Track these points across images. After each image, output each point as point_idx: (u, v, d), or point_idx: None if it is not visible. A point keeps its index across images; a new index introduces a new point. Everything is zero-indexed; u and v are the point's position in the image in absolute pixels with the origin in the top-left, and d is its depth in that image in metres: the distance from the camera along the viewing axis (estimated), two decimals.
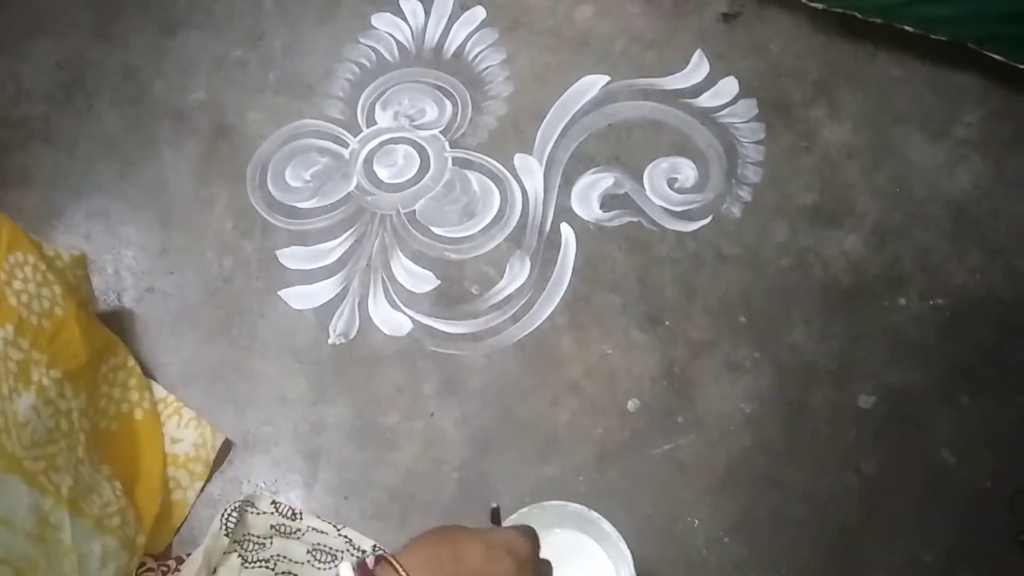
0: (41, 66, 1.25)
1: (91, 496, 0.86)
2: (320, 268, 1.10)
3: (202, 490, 0.99)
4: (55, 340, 0.89)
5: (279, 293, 1.08)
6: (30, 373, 0.83)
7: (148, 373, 1.03)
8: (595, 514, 0.91)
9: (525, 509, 0.92)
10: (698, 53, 1.20)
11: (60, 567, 0.79)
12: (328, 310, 1.07)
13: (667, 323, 1.05)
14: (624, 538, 0.89)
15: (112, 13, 1.29)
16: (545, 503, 0.93)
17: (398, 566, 0.53)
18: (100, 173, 1.17)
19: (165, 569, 0.92)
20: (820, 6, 1.14)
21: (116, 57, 1.25)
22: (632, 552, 0.88)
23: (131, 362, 1.00)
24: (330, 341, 1.06)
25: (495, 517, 0.70)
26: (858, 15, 1.14)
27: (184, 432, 0.99)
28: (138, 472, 0.95)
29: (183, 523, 0.97)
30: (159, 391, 1.02)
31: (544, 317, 1.06)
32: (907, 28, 1.13)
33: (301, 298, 1.08)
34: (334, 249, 1.11)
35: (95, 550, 0.83)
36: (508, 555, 0.59)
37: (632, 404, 1.01)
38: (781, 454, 0.98)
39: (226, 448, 1.01)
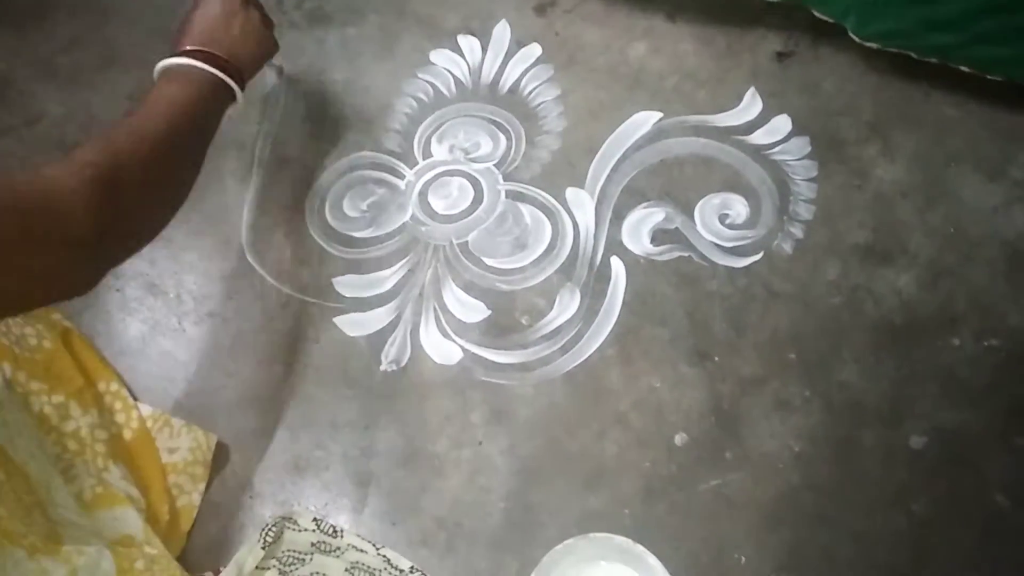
0: (112, 97, 1.30)
1: (117, 499, 0.90)
2: (374, 296, 1.12)
3: (205, 491, 1.01)
4: (50, 370, 0.96)
5: (334, 320, 1.11)
6: (31, 403, 0.89)
7: (206, 397, 1.06)
8: (640, 548, 0.91)
9: (571, 541, 0.93)
10: (751, 91, 1.21)
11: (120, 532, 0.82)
12: (381, 338, 1.09)
13: (716, 358, 1.05)
14: (669, 573, 0.89)
15: None
16: (590, 535, 0.93)
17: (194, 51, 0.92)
18: None
19: None
20: (875, 46, 1.14)
21: None
22: None
23: (115, 386, 1.04)
24: (382, 368, 1.07)
25: None
26: (913, 55, 1.14)
27: (178, 441, 1.02)
28: (141, 486, 0.97)
29: (192, 527, 1.00)
30: (145, 409, 1.05)
31: (593, 349, 1.07)
32: (963, 68, 1.13)
33: (355, 325, 1.10)
34: (388, 278, 1.13)
35: (138, 527, 0.87)
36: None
37: (680, 438, 1.01)
38: (830, 493, 0.97)
39: (222, 450, 1.04)
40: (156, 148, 0.80)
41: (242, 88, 0.96)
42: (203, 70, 0.91)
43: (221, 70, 0.92)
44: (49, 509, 0.80)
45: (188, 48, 0.92)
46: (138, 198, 0.77)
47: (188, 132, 0.86)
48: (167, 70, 0.91)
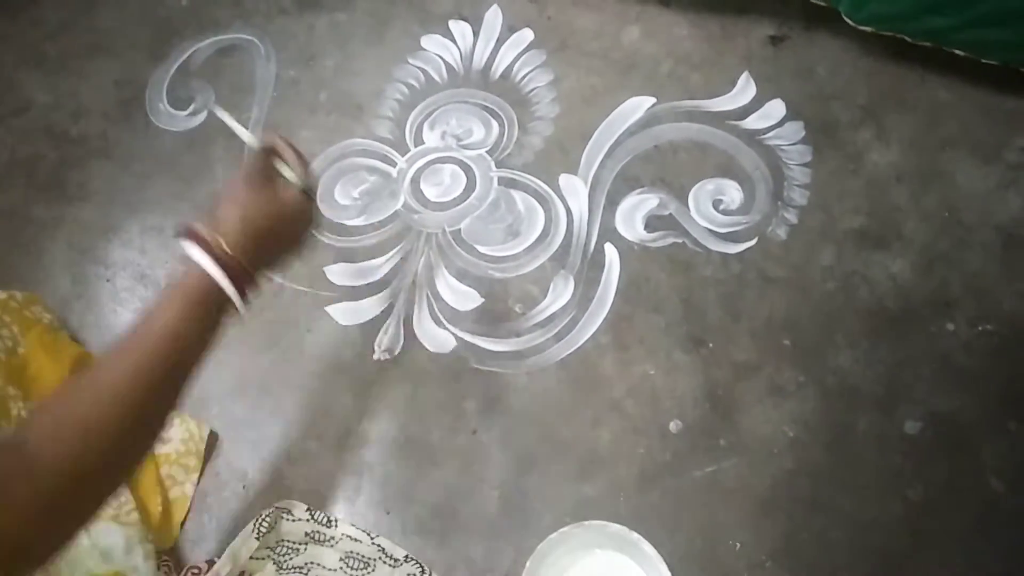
0: (100, 85, 1.29)
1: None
2: (367, 285, 1.11)
3: (198, 482, 1.00)
4: (24, 374, 0.95)
5: (326, 309, 1.10)
6: (9, 407, 0.88)
7: (198, 387, 1.05)
8: (636, 535, 0.91)
9: (566, 528, 0.92)
10: (745, 75, 1.20)
11: (83, 564, 0.81)
12: (374, 326, 1.09)
13: (711, 345, 1.05)
14: (665, 560, 0.89)
15: (169, 34, 1.32)
16: (586, 523, 0.93)
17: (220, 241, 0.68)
18: (155, 189, 1.20)
19: (196, 571, 0.94)
20: (869, 29, 1.14)
21: (173, 77, 1.29)
22: (672, 574, 0.88)
23: None
24: (375, 357, 1.07)
25: (308, 195, 0.78)
26: (907, 39, 1.13)
27: (170, 432, 1.02)
28: (130, 482, 0.97)
29: (186, 517, 0.99)
30: None
31: (587, 337, 1.06)
32: (957, 52, 1.12)
33: (347, 314, 1.10)
34: (381, 266, 1.12)
35: (118, 542, 0.86)
36: (288, 191, 0.76)
37: (674, 425, 1.01)
38: (825, 478, 0.97)
39: (215, 440, 1.03)
40: (136, 423, 0.62)
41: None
42: (222, 291, 0.68)
43: (242, 294, 0.70)
44: None
45: (229, 252, 0.69)
46: (94, 490, 0.61)
47: (180, 389, 0.68)
48: (190, 274, 0.68)
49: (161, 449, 1.01)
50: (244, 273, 0.70)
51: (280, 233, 0.75)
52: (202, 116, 1.25)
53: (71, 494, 0.57)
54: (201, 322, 0.68)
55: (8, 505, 0.54)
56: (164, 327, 0.65)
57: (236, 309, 0.70)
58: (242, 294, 0.70)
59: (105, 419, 0.60)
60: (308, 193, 0.78)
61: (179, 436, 1.01)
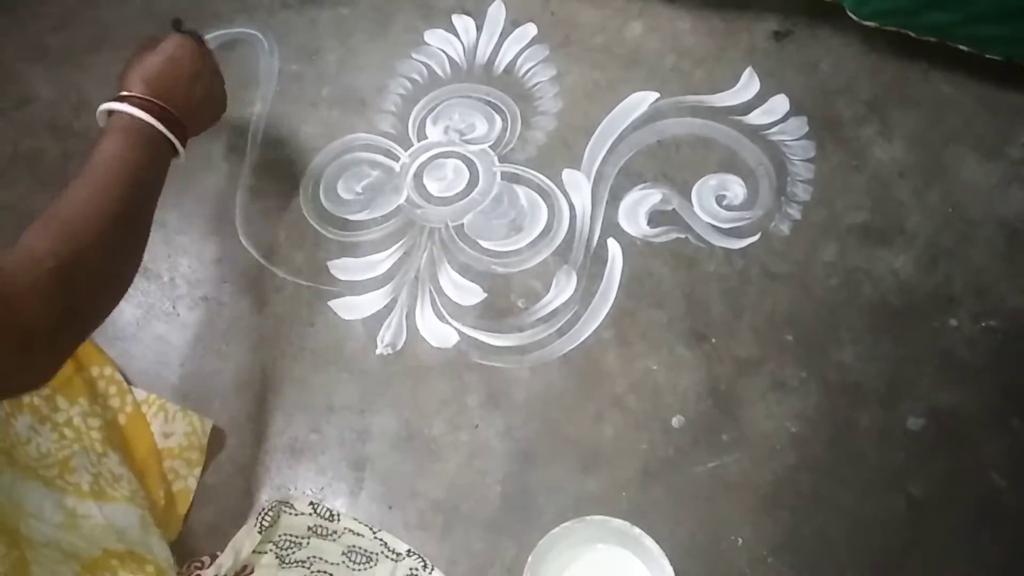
0: (103, 79, 1.28)
1: (119, 483, 0.90)
2: (369, 279, 1.11)
3: (201, 475, 1.01)
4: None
5: (329, 303, 1.10)
6: (21, 397, 0.88)
7: (201, 381, 1.06)
8: (638, 530, 0.91)
9: (568, 523, 0.92)
10: (748, 71, 1.20)
11: (101, 541, 0.81)
12: (376, 321, 1.09)
13: (713, 340, 1.05)
14: (666, 555, 0.89)
15: (171, 28, 1.32)
16: (587, 518, 0.93)
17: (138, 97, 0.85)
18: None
19: (199, 564, 0.94)
20: (873, 25, 1.13)
21: None
22: (675, 569, 0.89)
23: (109, 371, 1.03)
24: (378, 352, 1.07)
25: (177, 26, 0.99)
26: (911, 34, 1.13)
27: (173, 426, 1.02)
28: (136, 471, 0.97)
29: (189, 511, 0.99)
30: (140, 394, 1.04)
31: (590, 332, 1.06)
32: (961, 48, 1.12)
33: (350, 309, 1.10)
34: (383, 261, 1.12)
35: (134, 522, 0.86)
36: (194, 44, 0.96)
37: (677, 421, 1.01)
38: (827, 474, 0.97)
39: (217, 435, 1.03)
40: (113, 225, 0.75)
41: (184, 147, 0.90)
42: (153, 127, 0.84)
43: (171, 130, 0.86)
44: (22, 526, 0.79)
45: (141, 96, 0.85)
46: (98, 281, 0.73)
47: (142, 201, 0.82)
48: (117, 116, 0.84)
49: (164, 443, 1.01)
50: (155, 106, 0.85)
51: (174, 68, 0.90)
52: None
53: (75, 280, 0.68)
54: (154, 162, 0.84)
55: (26, 291, 0.64)
56: (110, 155, 0.80)
57: (165, 143, 0.86)
58: (174, 131, 0.86)
59: (83, 220, 0.73)
60: (187, 33, 0.97)
61: (182, 430, 1.01)
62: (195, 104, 0.92)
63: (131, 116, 0.83)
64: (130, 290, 1.10)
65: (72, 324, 0.69)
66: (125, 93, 0.85)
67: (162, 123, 0.85)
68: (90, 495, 0.84)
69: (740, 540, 0.95)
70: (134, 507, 0.88)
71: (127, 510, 0.86)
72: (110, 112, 0.84)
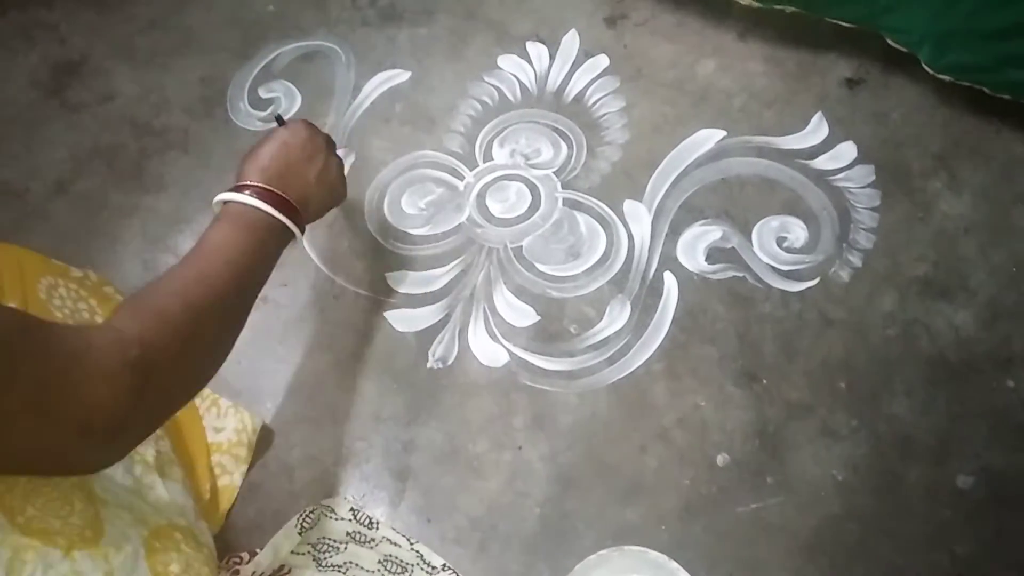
0: (185, 80, 1.33)
1: (174, 467, 0.91)
2: (426, 293, 1.13)
3: (247, 473, 1.02)
4: None
5: (384, 314, 1.12)
6: None
7: (254, 380, 1.08)
8: (675, 564, 0.91)
9: (604, 551, 0.92)
10: (818, 115, 1.20)
11: (166, 512, 0.83)
12: (429, 335, 1.10)
13: (764, 381, 1.04)
14: None
15: (255, 37, 1.36)
16: (625, 547, 0.93)
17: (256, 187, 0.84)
18: (229, 185, 1.23)
19: (238, 560, 0.95)
20: (948, 78, 1.13)
21: (256, 78, 1.32)
22: None
23: None
24: (428, 365, 1.08)
25: (279, 122, 0.96)
26: (986, 90, 1.12)
27: (224, 421, 1.03)
28: (186, 462, 0.99)
29: (232, 506, 1.01)
30: None
31: (640, 363, 1.06)
32: None
33: (405, 321, 1.11)
34: (441, 277, 1.14)
35: (191, 504, 0.88)
36: (306, 128, 0.93)
37: (722, 459, 1.00)
38: (871, 526, 0.96)
39: (266, 434, 1.05)
40: (208, 317, 0.72)
41: (303, 232, 0.88)
42: (266, 214, 0.83)
43: (289, 217, 0.84)
44: (96, 486, 0.81)
45: (256, 184, 0.84)
46: (180, 376, 0.69)
47: (244, 291, 0.80)
48: (231, 205, 0.83)
49: (214, 437, 1.03)
50: (267, 193, 0.84)
51: (288, 153, 0.89)
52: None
53: (158, 372, 0.64)
54: (266, 252, 0.83)
55: (105, 376, 0.60)
56: (219, 242, 0.78)
57: (284, 230, 0.85)
58: (289, 215, 0.84)
59: (180, 308, 0.69)
60: (302, 122, 0.95)
61: (232, 426, 1.03)
62: (310, 187, 0.90)
63: (243, 204, 0.82)
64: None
65: (140, 417, 0.65)
66: (239, 183, 0.85)
67: (276, 208, 0.83)
68: (155, 468, 0.86)
69: None
70: (188, 493, 0.90)
71: (183, 492, 0.88)
72: (225, 202, 0.83)
